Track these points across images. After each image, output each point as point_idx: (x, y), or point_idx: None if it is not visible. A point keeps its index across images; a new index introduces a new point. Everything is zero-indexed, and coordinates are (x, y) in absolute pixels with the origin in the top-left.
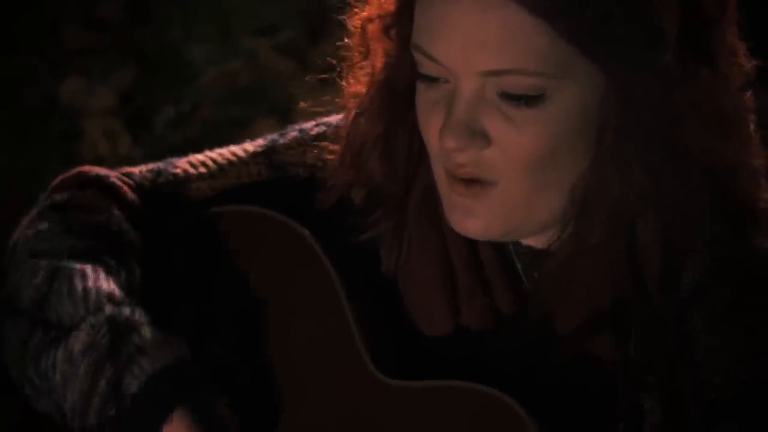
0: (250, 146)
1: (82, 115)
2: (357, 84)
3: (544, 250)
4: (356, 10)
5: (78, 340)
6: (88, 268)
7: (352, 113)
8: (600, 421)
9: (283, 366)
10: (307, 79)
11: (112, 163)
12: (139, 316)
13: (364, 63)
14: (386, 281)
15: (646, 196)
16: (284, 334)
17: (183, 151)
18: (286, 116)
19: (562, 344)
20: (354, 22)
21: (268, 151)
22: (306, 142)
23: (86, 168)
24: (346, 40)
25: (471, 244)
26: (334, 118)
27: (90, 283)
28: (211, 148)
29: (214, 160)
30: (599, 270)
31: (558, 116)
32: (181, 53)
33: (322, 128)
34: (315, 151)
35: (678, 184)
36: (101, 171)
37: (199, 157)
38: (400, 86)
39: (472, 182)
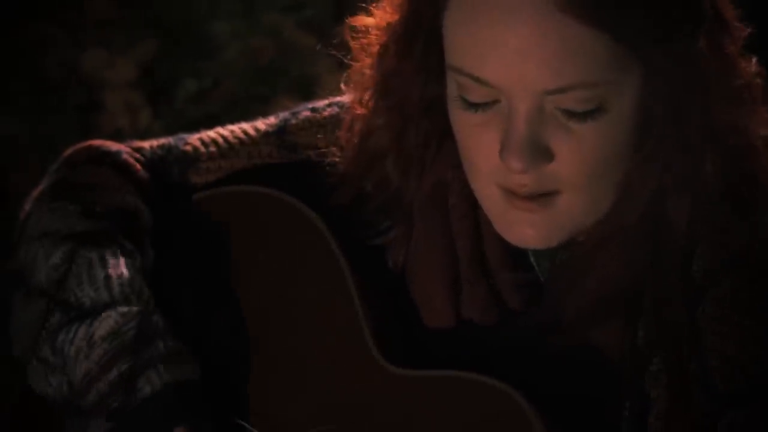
0: (261, 125)
1: (102, 87)
2: (366, 92)
3: (564, 240)
4: (362, 33)
5: (103, 325)
6: (108, 254)
7: (360, 117)
8: (606, 410)
9: (287, 349)
10: (326, 53)
11: (131, 137)
12: (165, 324)
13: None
14: (394, 275)
15: (685, 180)
16: (290, 318)
17: (203, 126)
18: (308, 94)
19: (570, 331)
20: (368, 49)
21: (280, 131)
22: (318, 123)
23: (98, 142)
24: (354, 64)
25: (476, 236)
26: (347, 98)
27: (111, 270)
28: (231, 123)
29: (225, 138)
30: (620, 254)
31: (617, 122)
32: (204, 27)
33: (335, 109)
34: (327, 135)
35: (712, 165)
36: (113, 146)
37: (211, 134)
38: (414, 99)
39: (533, 196)
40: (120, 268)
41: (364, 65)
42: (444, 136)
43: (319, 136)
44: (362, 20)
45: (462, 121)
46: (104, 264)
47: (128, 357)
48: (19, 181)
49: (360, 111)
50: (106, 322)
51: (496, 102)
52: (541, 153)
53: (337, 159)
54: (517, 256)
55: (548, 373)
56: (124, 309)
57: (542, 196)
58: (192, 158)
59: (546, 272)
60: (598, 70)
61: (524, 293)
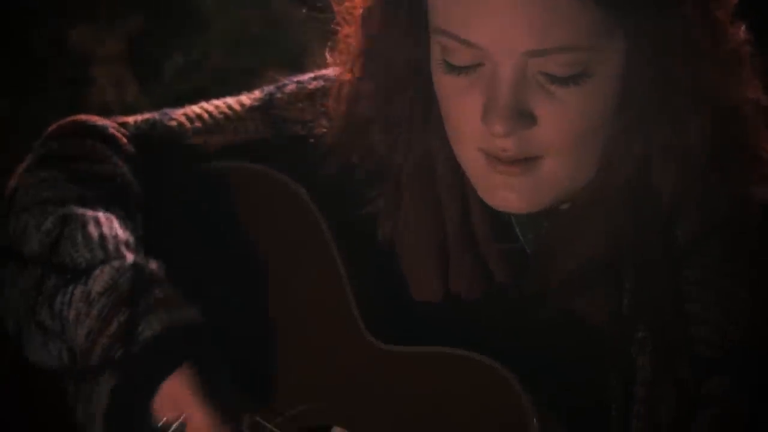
0: (246, 99)
1: (90, 61)
2: (350, 56)
3: (548, 210)
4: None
5: (99, 281)
6: (101, 215)
7: (347, 84)
8: (593, 379)
9: (276, 324)
10: (316, 24)
11: (119, 112)
12: (161, 271)
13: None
14: (383, 247)
15: (671, 146)
16: (279, 293)
17: (191, 100)
18: (297, 65)
19: (556, 301)
20: (352, 13)
21: (266, 106)
22: (304, 97)
23: (83, 117)
24: (339, 29)
25: (464, 208)
26: (332, 71)
27: (105, 230)
28: (221, 96)
29: (210, 114)
30: (603, 222)
31: (600, 87)
32: (192, 0)
33: (321, 83)
34: (313, 108)
35: (699, 130)
36: (99, 120)
37: (196, 109)
38: (399, 64)
39: (516, 161)
40: (114, 228)
41: (350, 31)
42: (430, 105)
43: (305, 109)
44: None
45: (445, 85)
46: (98, 223)
47: (126, 307)
48: (4, 158)
49: (347, 77)
50: (101, 277)
51: (479, 65)
52: (523, 118)
53: (324, 130)
54: (502, 227)
55: (535, 344)
56: (117, 263)
57: (525, 161)
58: (177, 134)
59: (531, 243)
60: (581, 34)
61: (510, 265)
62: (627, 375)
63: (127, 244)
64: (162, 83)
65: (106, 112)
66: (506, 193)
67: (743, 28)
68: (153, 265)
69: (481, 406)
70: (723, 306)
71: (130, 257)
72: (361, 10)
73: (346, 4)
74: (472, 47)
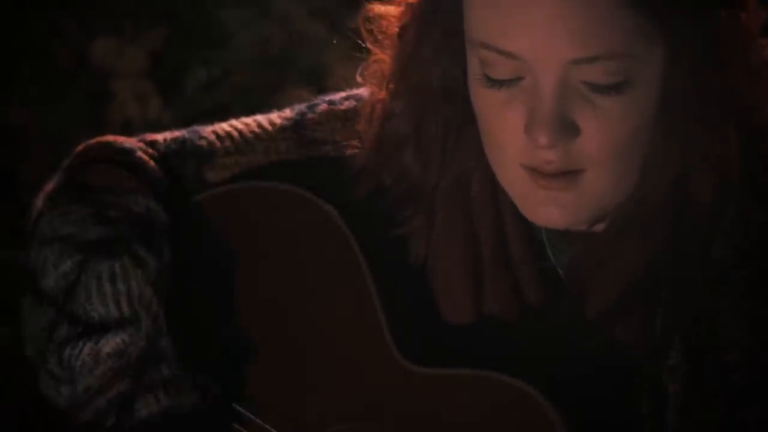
0: (277, 118)
1: (112, 75)
2: (383, 77)
3: (582, 232)
4: (378, 20)
5: (109, 343)
6: (117, 266)
7: (379, 104)
8: (624, 406)
9: (305, 346)
10: (338, 43)
11: (141, 126)
12: (171, 349)
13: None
14: (415, 269)
15: (708, 161)
16: (307, 316)
17: (214, 115)
18: (318, 83)
19: (592, 328)
20: (386, 32)
21: (297, 126)
22: (335, 116)
23: (110, 138)
24: (372, 50)
25: (499, 228)
26: (364, 91)
27: (120, 285)
28: (242, 112)
29: (240, 133)
30: (639, 245)
31: (641, 97)
32: (215, 15)
33: (352, 103)
34: (344, 128)
35: (734, 139)
36: (126, 143)
37: (225, 128)
38: (433, 83)
39: (558, 175)
40: (130, 281)
41: (383, 50)
42: (464, 124)
43: (336, 129)
44: (378, 9)
45: (485, 99)
46: (113, 278)
47: (130, 378)
48: (28, 170)
49: (380, 95)
50: (113, 340)
51: (520, 79)
52: (567, 128)
53: (356, 151)
54: (536, 248)
55: (567, 369)
56: (132, 329)
57: (567, 175)
58: (207, 153)
59: (564, 266)
60: (623, 41)
61: (544, 286)
62: (659, 402)
63: (140, 300)
64: (183, 98)
65: (127, 127)
66: (549, 209)
67: None
68: (166, 340)
69: (513, 430)
70: (756, 334)
71: (145, 322)
72: (395, 29)
73: (382, 22)
74: (513, 59)
